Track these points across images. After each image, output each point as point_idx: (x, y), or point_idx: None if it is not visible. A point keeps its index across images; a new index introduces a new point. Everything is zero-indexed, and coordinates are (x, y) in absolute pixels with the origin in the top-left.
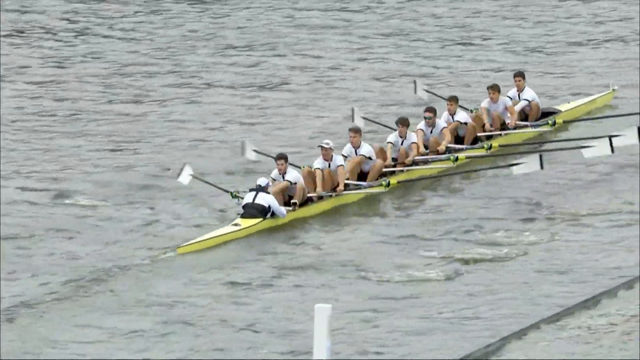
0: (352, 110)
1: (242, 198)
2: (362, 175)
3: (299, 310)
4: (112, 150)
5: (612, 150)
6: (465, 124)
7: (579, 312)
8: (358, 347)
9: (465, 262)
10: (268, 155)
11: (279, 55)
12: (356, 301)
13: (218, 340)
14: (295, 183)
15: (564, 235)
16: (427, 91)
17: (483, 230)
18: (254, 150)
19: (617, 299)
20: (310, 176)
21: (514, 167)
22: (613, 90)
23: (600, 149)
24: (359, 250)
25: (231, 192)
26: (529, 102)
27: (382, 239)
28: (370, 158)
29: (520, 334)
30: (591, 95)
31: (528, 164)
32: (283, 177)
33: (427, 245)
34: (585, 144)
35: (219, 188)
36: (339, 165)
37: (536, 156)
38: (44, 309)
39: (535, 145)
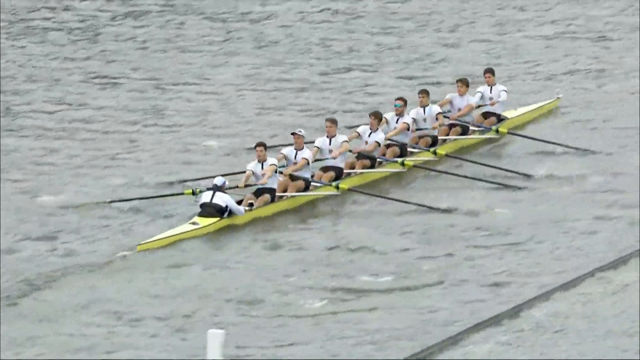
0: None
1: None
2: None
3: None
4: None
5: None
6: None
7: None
8: None
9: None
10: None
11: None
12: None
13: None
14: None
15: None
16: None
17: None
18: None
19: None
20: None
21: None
22: (558, 98)
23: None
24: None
25: (192, 190)
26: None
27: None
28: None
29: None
30: (537, 102)
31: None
32: (262, 165)
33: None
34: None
35: (177, 194)
36: (303, 157)
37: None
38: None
39: (475, 159)
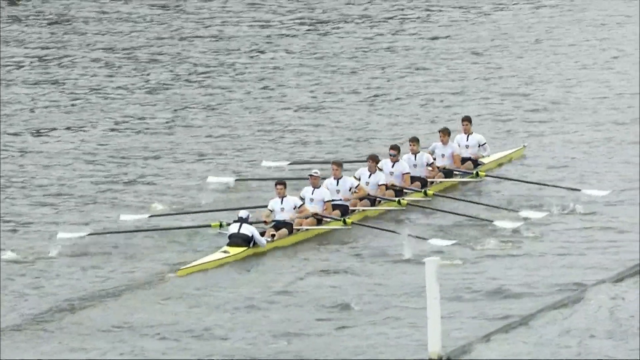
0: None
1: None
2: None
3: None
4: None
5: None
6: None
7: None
8: None
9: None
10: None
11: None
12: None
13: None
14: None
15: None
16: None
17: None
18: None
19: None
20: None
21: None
22: (524, 146)
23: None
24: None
25: (220, 223)
26: (479, 146)
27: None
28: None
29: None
30: (505, 150)
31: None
32: (282, 201)
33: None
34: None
35: (204, 226)
36: (327, 201)
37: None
38: (48, 328)
39: (462, 197)
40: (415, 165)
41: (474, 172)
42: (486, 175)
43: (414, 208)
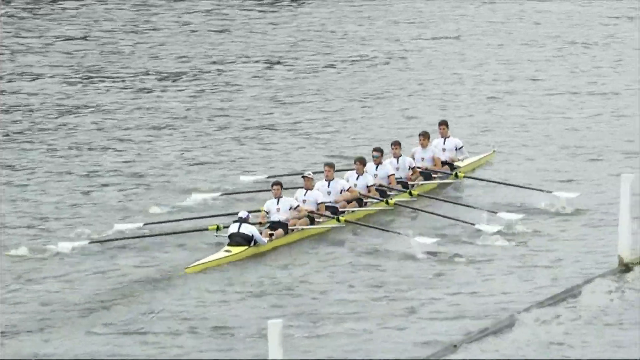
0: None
1: (226, 228)
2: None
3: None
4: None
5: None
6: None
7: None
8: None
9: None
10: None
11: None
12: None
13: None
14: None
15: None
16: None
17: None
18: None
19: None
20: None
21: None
22: (494, 151)
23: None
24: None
25: (217, 226)
26: (457, 149)
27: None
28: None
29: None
30: (476, 154)
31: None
32: (277, 201)
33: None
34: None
35: (201, 230)
36: (320, 202)
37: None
38: (60, 325)
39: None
40: (397, 169)
41: (454, 173)
42: (465, 177)
43: (401, 208)
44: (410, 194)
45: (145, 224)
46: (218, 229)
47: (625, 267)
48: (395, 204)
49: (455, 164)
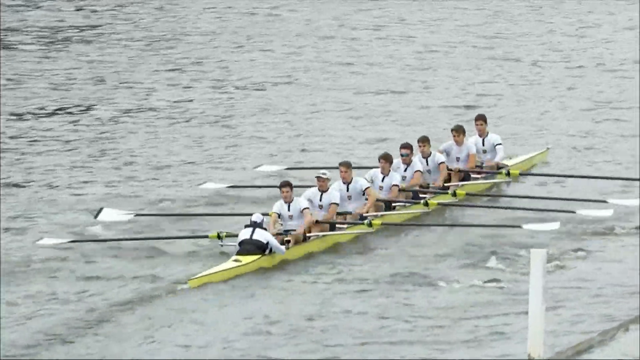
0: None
1: (229, 237)
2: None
3: None
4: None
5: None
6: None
7: None
8: None
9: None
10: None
11: None
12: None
13: None
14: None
15: None
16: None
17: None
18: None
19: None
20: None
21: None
22: (547, 149)
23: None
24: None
25: (217, 234)
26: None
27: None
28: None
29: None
30: (527, 153)
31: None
32: (289, 207)
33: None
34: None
35: (201, 237)
36: (332, 203)
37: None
38: (64, 340)
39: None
40: (429, 172)
41: (504, 171)
42: (520, 174)
43: (443, 209)
44: (454, 194)
45: (136, 215)
46: (219, 237)
47: None
48: (439, 204)
49: (502, 162)
